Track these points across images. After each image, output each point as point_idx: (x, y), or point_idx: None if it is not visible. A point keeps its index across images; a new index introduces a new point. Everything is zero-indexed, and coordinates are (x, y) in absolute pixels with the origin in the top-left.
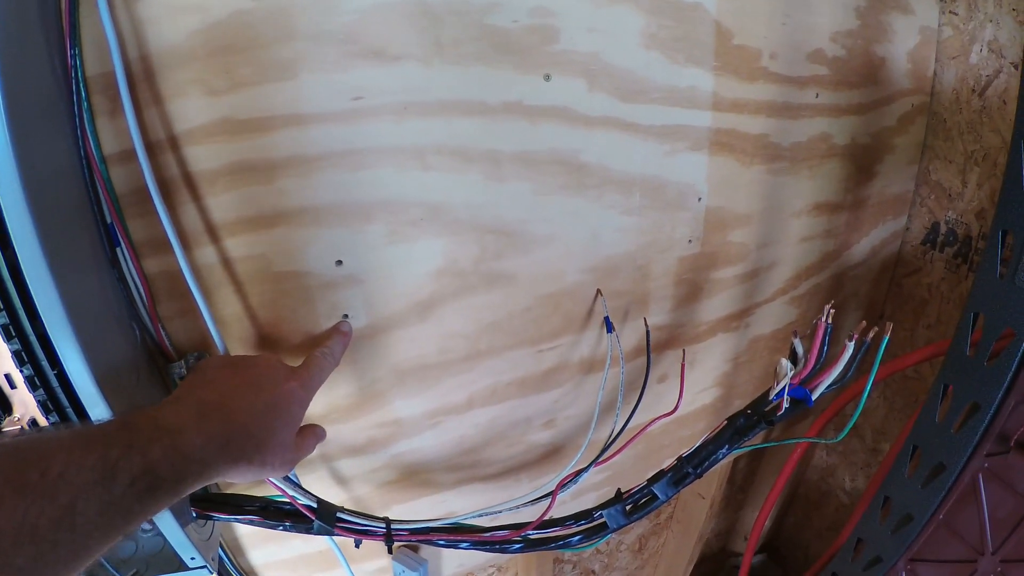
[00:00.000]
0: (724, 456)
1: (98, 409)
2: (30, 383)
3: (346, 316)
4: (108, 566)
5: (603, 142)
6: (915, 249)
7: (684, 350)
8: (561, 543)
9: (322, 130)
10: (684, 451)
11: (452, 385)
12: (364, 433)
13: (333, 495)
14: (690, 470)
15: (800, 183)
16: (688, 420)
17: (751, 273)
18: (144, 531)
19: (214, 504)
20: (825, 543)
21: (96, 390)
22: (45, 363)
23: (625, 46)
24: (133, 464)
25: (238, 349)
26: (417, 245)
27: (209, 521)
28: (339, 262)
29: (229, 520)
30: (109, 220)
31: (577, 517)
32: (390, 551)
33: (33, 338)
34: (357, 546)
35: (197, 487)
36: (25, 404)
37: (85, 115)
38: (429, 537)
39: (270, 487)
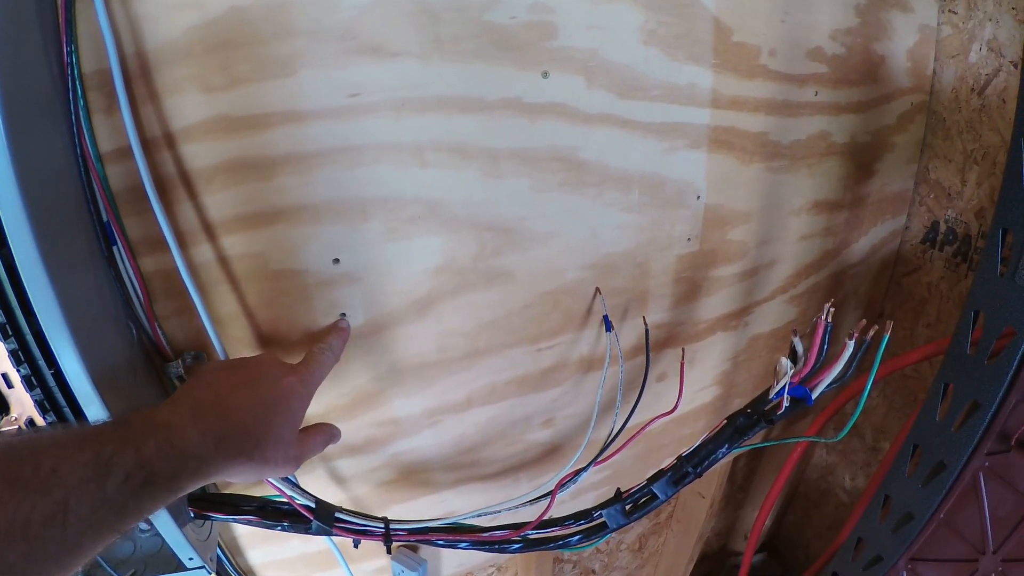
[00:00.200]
0: (724, 455)
1: (95, 408)
2: (27, 382)
3: (344, 314)
4: (106, 566)
5: (602, 139)
6: (914, 248)
7: (683, 349)
8: (560, 543)
9: (320, 127)
10: (684, 450)
11: (451, 384)
12: (362, 432)
13: (331, 495)
14: (690, 469)
15: (799, 181)
16: (688, 419)
17: (750, 271)
18: (142, 531)
19: (212, 504)
20: (825, 542)
21: (92, 389)
22: (42, 362)
23: (624, 43)
24: (127, 460)
25: (235, 348)
26: (415, 242)
27: (207, 521)
28: (336, 260)
29: (227, 520)
30: (105, 218)
31: (576, 517)
32: (389, 551)
33: (30, 337)
34: (356, 546)
35: (195, 485)
36: (22, 403)
37: (81, 112)
38: (428, 537)
39: (269, 487)
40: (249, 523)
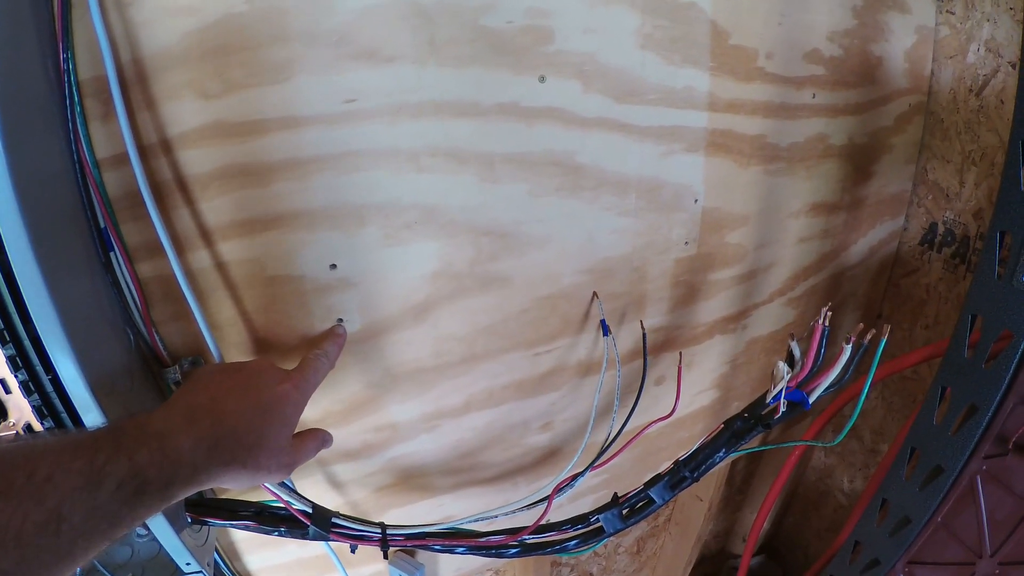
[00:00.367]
0: (721, 460)
1: (92, 414)
2: (25, 388)
3: (341, 320)
4: (103, 570)
5: (598, 143)
6: (913, 249)
7: (681, 352)
8: (558, 547)
9: (315, 133)
10: (681, 454)
11: (448, 388)
12: (359, 437)
13: (328, 500)
14: (687, 474)
15: (797, 184)
16: (685, 422)
17: (748, 274)
18: (139, 536)
19: (209, 509)
20: (824, 543)
21: (89, 395)
22: (39, 368)
23: (620, 46)
24: (120, 468)
25: (233, 353)
26: (412, 248)
27: (204, 526)
28: (333, 266)
29: (224, 525)
30: (102, 224)
31: (574, 521)
32: (386, 556)
33: (27, 343)
34: (353, 551)
35: (188, 492)
36: (20, 409)
37: (78, 119)
38: (425, 542)
39: (265, 492)
40: (246, 528)
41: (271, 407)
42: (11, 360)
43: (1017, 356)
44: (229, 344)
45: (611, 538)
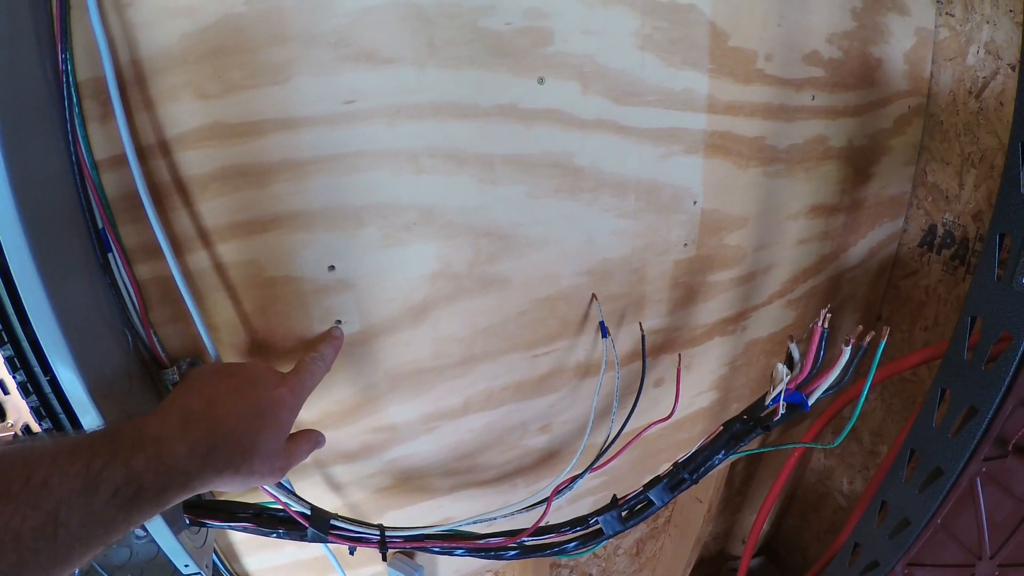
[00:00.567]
0: (720, 461)
1: (90, 416)
2: (23, 389)
3: (339, 321)
4: (103, 572)
5: (597, 145)
6: (912, 251)
7: (680, 354)
8: (557, 549)
9: (314, 134)
10: (680, 456)
11: (447, 390)
12: (358, 439)
13: (327, 501)
14: (686, 475)
15: (796, 185)
16: (685, 424)
17: (747, 276)
18: (138, 538)
19: (207, 511)
20: (823, 545)
21: (87, 397)
22: (38, 369)
23: (619, 48)
24: (116, 474)
25: (231, 355)
26: (410, 249)
27: (203, 528)
28: (332, 267)
29: (222, 527)
30: (101, 226)
31: (573, 523)
32: (385, 558)
33: (26, 344)
34: (352, 553)
35: (182, 497)
36: (19, 410)
37: (76, 120)
38: (424, 544)
39: (264, 494)
40: (245, 530)
41: (266, 412)
42: (9, 361)
43: (1017, 358)
44: (227, 346)
45: (610, 540)
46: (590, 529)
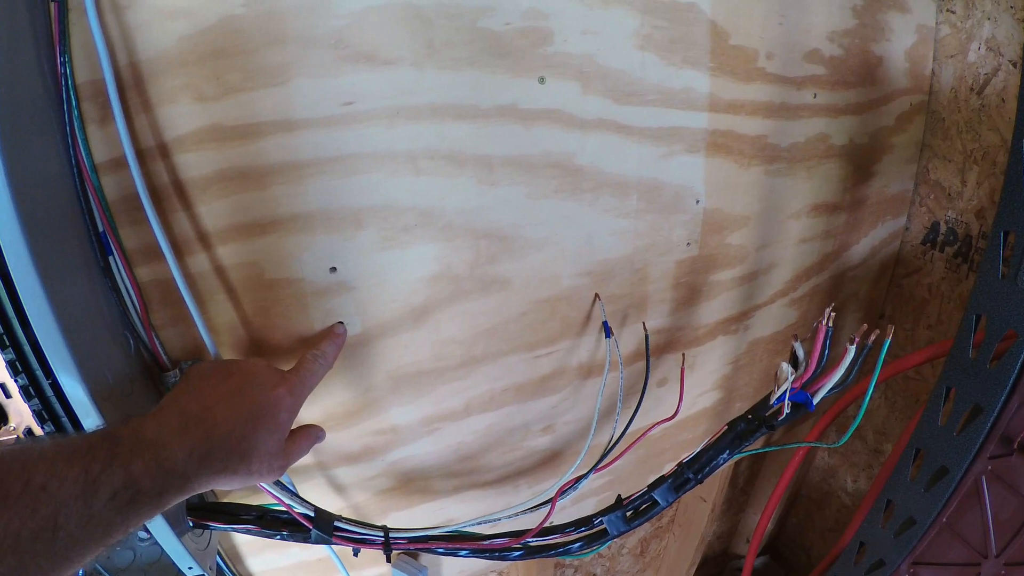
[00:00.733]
0: (725, 461)
1: (92, 419)
2: (25, 393)
3: (340, 323)
4: (106, 574)
5: (598, 145)
6: (915, 249)
7: (684, 354)
8: (562, 550)
9: (313, 135)
10: (685, 456)
11: (448, 391)
12: (360, 441)
13: (330, 503)
14: (691, 475)
15: (798, 184)
16: (688, 424)
17: (750, 275)
18: (141, 540)
19: (210, 513)
20: (827, 544)
21: (89, 399)
22: (39, 373)
23: (619, 48)
24: (114, 478)
25: (231, 357)
26: (410, 251)
27: (206, 530)
28: (333, 268)
29: (226, 529)
30: (101, 229)
31: (577, 524)
32: (389, 560)
33: (27, 348)
34: (356, 554)
35: (180, 499)
36: (20, 414)
37: (75, 123)
38: (428, 545)
39: (267, 495)
40: (248, 532)
41: (264, 413)
42: (11, 364)
43: (1022, 356)
44: (228, 348)
45: (615, 540)
46: (595, 529)
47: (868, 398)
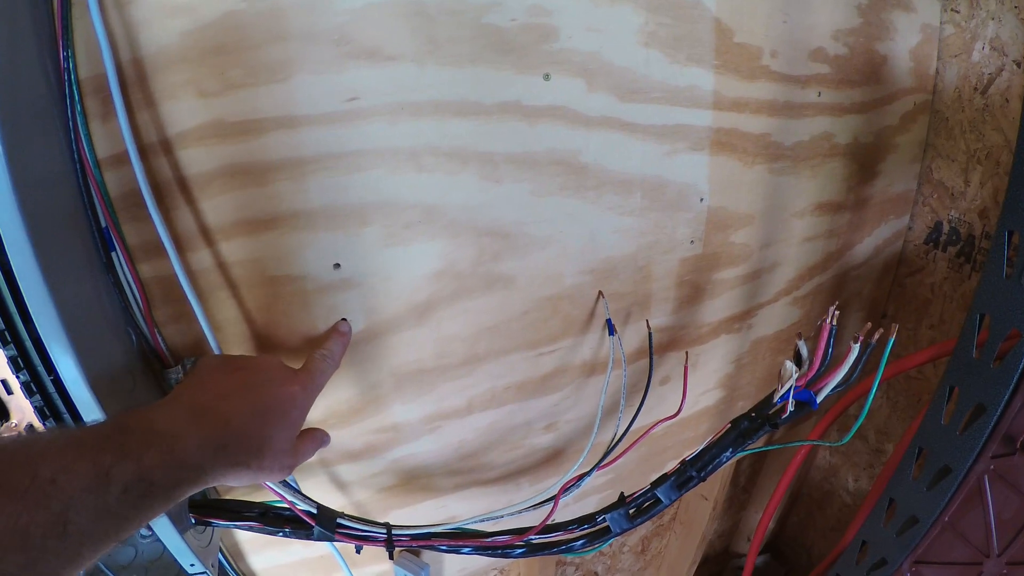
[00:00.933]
0: (728, 459)
1: (93, 415)
2: (26, 389)
3: (344, 320)
4: (108, 572)
5: (602, 142)
6: (918, 248)
7: (687, 352)
8: (564, 547)
9: (316, 132)
10: (687, 454)
11: (451, 389)
12: (362, 438)
13: (333, 500)
14: (694, 473)
15: (802, 183)
16: (691, 422)
17: (753, 274)
18: (143, 537)
19: (213, 510)
20: (828, 543)
21: (91, 396)
22: (41, 369)
23: (624, 45)
24: (127, 471)
25: (235, 353)
26: (414, 248)
27: (208, 527)
28: (337, 265)
29: (228, 526)
30: (103, 224)
31: (580, 521)
32: (391, 557)
33: (29, 344)
34: (358, 552)
35: (192, 492)
36: (22, 410)
37: (78, 118)
38: (431, 543)
39: (269, 492)
40: (251, 529)
41: (277, 409)
42: (13, 361)
43: None
44: (231, 344)
45: (616, 537)
46: (597, 527)
47: (872, 397)
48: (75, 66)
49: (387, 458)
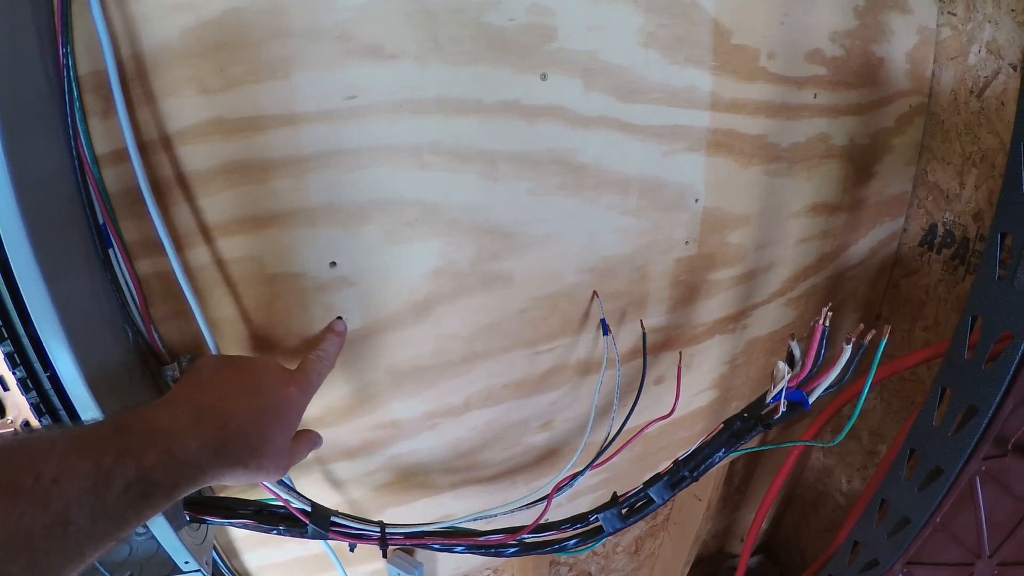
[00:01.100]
0: (720, 459)
1: (90, 412)
2: (23, 385)
3: (340, 318)
4: (102, 569)
5: (600, 142)
6: (912, 250)
7: (681, 352)
8: (557, 547)
9: (316, 129)
10: (681, 454)
11: (448, 387)
12: (359, 435)
13: (328, 498)
14: (686, 473)
15: (798, 184)
16: (685, 422)
17: (748, 274)
18: (138, 534)
19: (207, 508)
20: (822, 543)
21: (88, 393)
22: (38, 365)
23: (623, 45)
24: (127, 471)
25: (232, 351)
26: (413, 246)
27: (203, 525)
28: (334, 263)
29: (222, 524)
30: (101, 221)
31: (573, 520)
32: (385, 555)
33: (25, 340)
34: (352, 550)
35: (191, 491)
36: (18, 406)
37: (77, 114)
38: (424, 541)
39: (264, 491)
40: (245, 527)
41: (276, 410)
42: (9, 357)
43: (1017, 357)
44: (228, 342)
45: (610, 537)
46: (590, 526)
47: (863, 398)
48: (74, 63)
49: (384, 455)
